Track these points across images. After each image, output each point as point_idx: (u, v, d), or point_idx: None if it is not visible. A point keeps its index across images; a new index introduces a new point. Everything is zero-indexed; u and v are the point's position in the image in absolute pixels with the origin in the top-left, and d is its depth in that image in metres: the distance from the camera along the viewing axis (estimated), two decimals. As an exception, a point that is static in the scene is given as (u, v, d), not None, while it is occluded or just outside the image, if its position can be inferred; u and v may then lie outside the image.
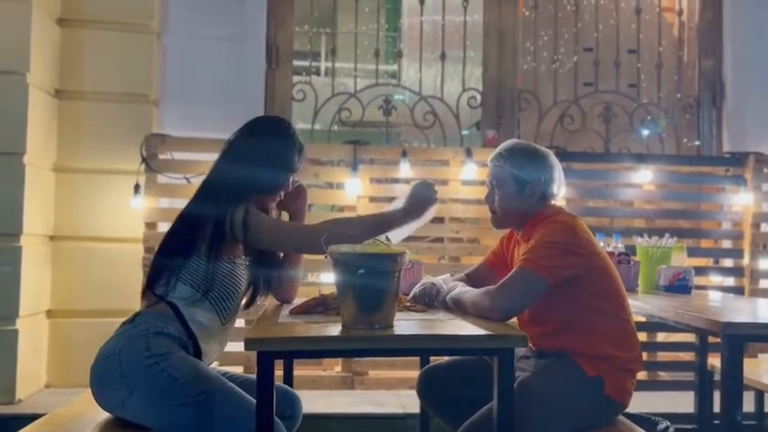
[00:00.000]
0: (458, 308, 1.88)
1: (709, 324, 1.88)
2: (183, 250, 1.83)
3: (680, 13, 4.43)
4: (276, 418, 1.59)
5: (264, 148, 1.96)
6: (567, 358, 1.87)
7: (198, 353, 1.80)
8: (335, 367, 3.73)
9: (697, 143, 4.36)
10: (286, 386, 2.06)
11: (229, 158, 1.95)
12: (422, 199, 1.89)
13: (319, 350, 1.66)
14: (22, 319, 3.28)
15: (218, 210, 1.83)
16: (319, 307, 1.87)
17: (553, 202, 2.06)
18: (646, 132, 4.37)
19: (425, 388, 2.17)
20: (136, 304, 3.45)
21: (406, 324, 1.66)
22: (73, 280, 3.57)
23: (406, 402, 3.32)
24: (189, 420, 1.67)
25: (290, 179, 2.01)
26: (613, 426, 1.89)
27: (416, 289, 2.02)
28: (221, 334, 1.90)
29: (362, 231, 1.79)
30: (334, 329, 1.58)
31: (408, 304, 1.95)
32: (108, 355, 1.74)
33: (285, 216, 2.10)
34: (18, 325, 3.25)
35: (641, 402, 1.96)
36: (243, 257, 1.91)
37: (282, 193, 2.02)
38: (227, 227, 1.81)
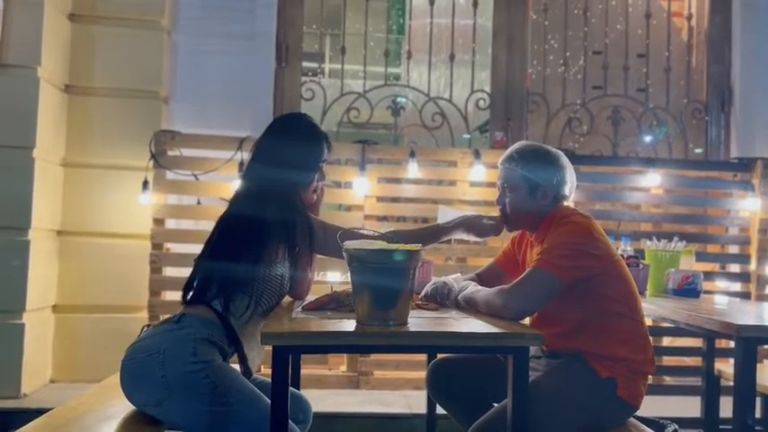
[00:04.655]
0: (470, 306, 1.88)
1: (724, 327, 1.88)
2: (237, 256, 1.81)
3: (689, 18, 4.43)
4: (291, 423, 1.60)
5: (288, 142, 1.98)
6: (579, 359, 1.87)
7: (243, 360, 1.81)
8: (341, 367, 3.72)
9: (698, 151, 4.35)
10: (297, 391, 2.07)
11: (260, 161, 1.97)
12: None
13: (336, 345, 1.67)
14: (29, 313, 3.28)
15: (272, 214, 1.83)
16: (332, 303, 1.87)
17: (565, 204, 2.05)
18: (648, 139, 4.37)
19: (435, 381, 2.16)
20: (142, 300, 3.49)
21: (419, 321, 1.66)
22: (80, 275, 3.57)
23: (412, 402, 3.32)
24: (220, 425, 1.68)
25: (322, 167, 2.04)
26: (624, 427, 1.89)
27: (428, 288, 2.01)
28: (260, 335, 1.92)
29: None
30: (350, 325, 1.59)
31: (420, 303, 1.95)
32: (149, 353, 1.72)
33: None
34: (24, 319, 3.25)
35: (646, 406, 1.95)
36: (285, 260, 1.89)
37: (320, 184, 2.06)
38: (286, 232, 1.83)
